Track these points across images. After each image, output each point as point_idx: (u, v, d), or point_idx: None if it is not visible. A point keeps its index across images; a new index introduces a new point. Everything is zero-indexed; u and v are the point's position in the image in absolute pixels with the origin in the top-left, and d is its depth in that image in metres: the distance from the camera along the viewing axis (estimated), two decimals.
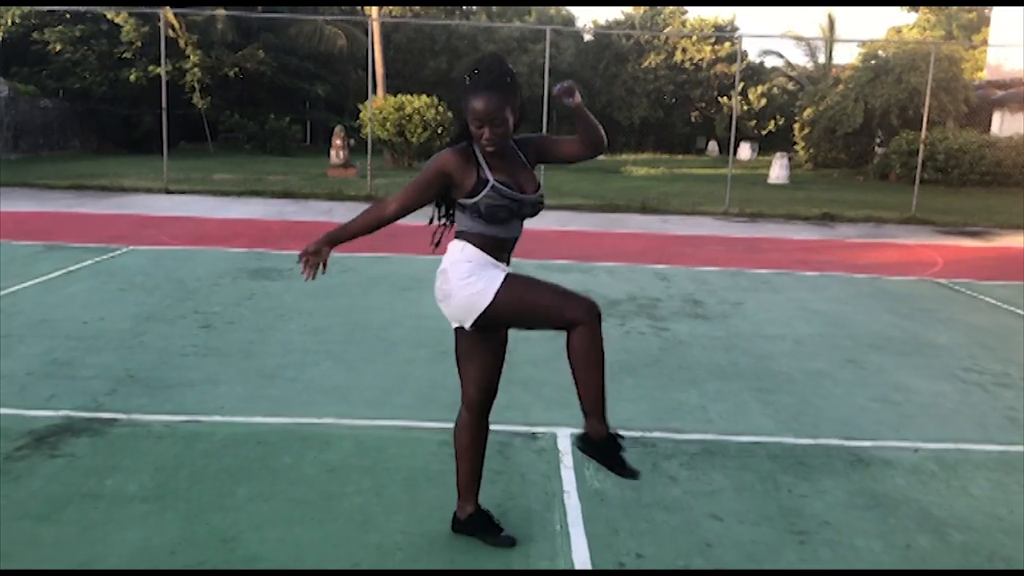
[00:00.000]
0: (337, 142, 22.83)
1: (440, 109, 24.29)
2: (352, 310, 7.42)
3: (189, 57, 28.98)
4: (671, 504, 3.89)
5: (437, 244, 3.34)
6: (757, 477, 4.23)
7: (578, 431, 4.59)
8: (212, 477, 3.98)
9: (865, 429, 4.98)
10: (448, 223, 3.30)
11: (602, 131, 3.33)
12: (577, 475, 4.13)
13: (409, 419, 4.81)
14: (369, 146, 18.53)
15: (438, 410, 4.97)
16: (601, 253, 11.27)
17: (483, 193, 3.11)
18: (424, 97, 24.53)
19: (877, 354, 6.65)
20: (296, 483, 3.96)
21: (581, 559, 3.37)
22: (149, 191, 16.78)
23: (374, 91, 21.18)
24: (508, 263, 3.27)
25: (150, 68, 27.91)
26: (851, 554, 3.48)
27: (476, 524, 3.47)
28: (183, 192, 16.67)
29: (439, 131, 24.22)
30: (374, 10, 26.09)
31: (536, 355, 6.09)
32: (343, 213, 14.72)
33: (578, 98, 3.18)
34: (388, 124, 23.80)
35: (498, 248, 3.20)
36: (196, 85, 29.07)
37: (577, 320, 3.04)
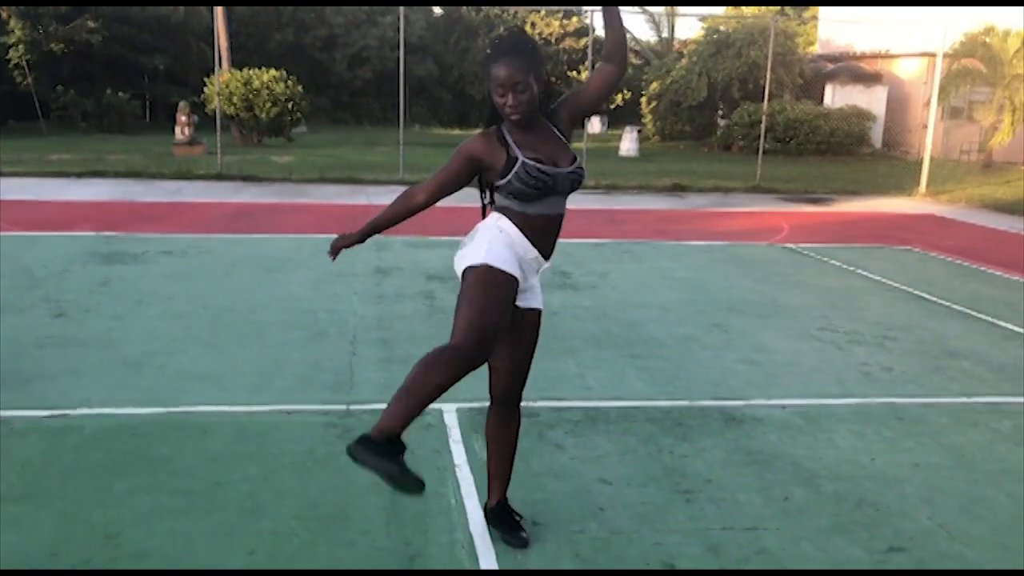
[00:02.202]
0: (182, 118, 21.86)
1: (289, 83, 23.59)
2: (216, 293, 7.16)
3: (13, 31, 27.03)
4: (560, 472, 3.97)
5: None
6: (639, 440, 4.36)
7: (464, 405, 4.63)
8: (86, 472, 3.79)
9: (734, 389, 5.21)
10: (492, 205, 3.15)
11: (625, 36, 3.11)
12: (467, 448, 4.15)
13: (290, 403, 4.71)
14: (218, 122, 17.87)
15: (320, 392, 4.89)
16: (468, 228, 11.25)
17: (513, 172, 2.96)
18: (272, 71, 23.77)
19: (738, 317, 6.95)
20: (178, 474, 3.82)
21: (479, 531, 3.40)
22: None
23: (220, 65, 20.41)
24: (547, 252, 3.10)
25: None
26: (735, 509, 3.64)
27: (492, 518, 3.40)
28: (17, 174, 15.58)
29: (289, 106, 23.56)
30: None
31: (414, 332, 6.07)
32: (194, 192, 14.18)
33: None
34: (235, 99, 22.95)
35: (539, 228, 3.04)
36: (24, 61, 27.18)
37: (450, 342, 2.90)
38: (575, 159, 3.08)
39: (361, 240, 3.21)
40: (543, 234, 3.07)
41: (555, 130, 3.09)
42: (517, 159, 2.96)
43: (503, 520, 3.37)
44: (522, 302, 3.14)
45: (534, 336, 3.23)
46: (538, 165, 2.96)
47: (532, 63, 2.96)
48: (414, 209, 3.17)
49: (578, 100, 3.17)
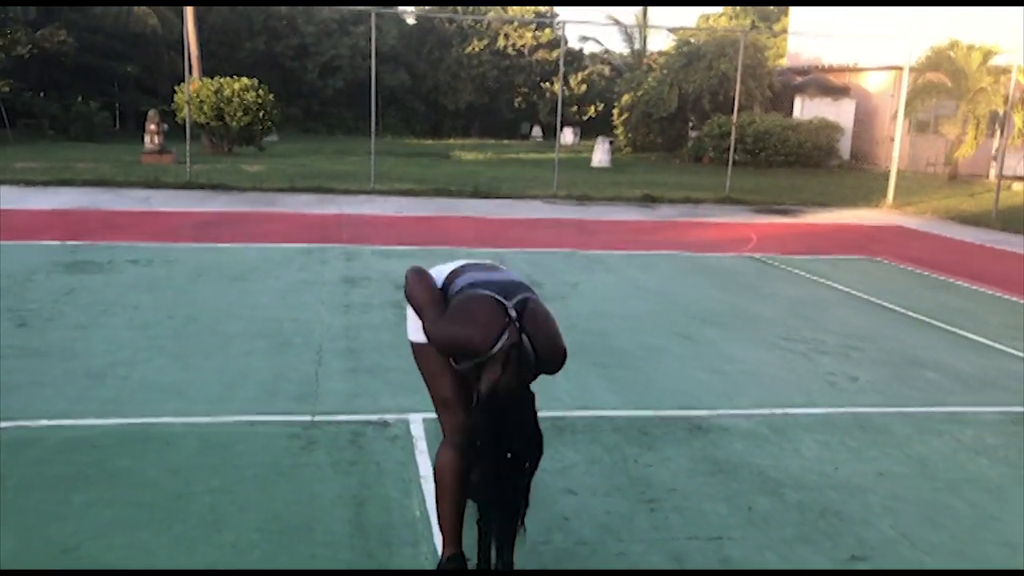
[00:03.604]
0: (151, 127, 21.65)
1: (261, 92, 23.46)
2: (181, 303, 7.09)
3: None
4: None
5: None
6: (605, 450, 4.36)
7: (430, 415, 4.59)
8: (45, 486, 3.73)
9: (701, 399, 5.24)
10: None
11: None
12: (432, 460, 4.12)
13: (255, 413, 4.67)
14: (188, 131, 17.70)
15: (284, 402, 4.85)
16: (438, 238, 11.24)
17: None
18: (243, 79, 23.64)
19: (706, 327, 6.99)
20: (138, 486, 3.77)
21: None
22: None
23: (190, 73, 20.26)
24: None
25: None
26: (700, 519, 3.65)
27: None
28: None
29: (260, 114, 23.43)
30: None
31: (381, 341, 6.04)
32: (162, 201, 14.05)
33: None
34: (206, 107, 22.80)
35: None
36: None
37: (444, 439, 3.06)
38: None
39: None
40: None
41: None
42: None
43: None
44: None
45: None
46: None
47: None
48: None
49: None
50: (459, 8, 39.46)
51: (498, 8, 41.22)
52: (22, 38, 27.20)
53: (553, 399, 5.10)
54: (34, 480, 3.78)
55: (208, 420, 4.58)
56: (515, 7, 41.20)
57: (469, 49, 40.82)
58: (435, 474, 3.04)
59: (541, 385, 5.32)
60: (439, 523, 3.07)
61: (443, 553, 3.08)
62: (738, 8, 46.20)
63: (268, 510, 3.60)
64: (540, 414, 4.82)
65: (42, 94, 28.33)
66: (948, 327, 7.33)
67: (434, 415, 4.54)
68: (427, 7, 40.89)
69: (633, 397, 5.22)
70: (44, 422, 4.43)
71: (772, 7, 44.20)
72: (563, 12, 45.68)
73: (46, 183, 15.64)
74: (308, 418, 4.61)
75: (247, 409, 4.73)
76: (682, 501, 3.81)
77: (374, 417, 4.64)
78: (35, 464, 3.94)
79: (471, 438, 2.85)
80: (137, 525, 3.43)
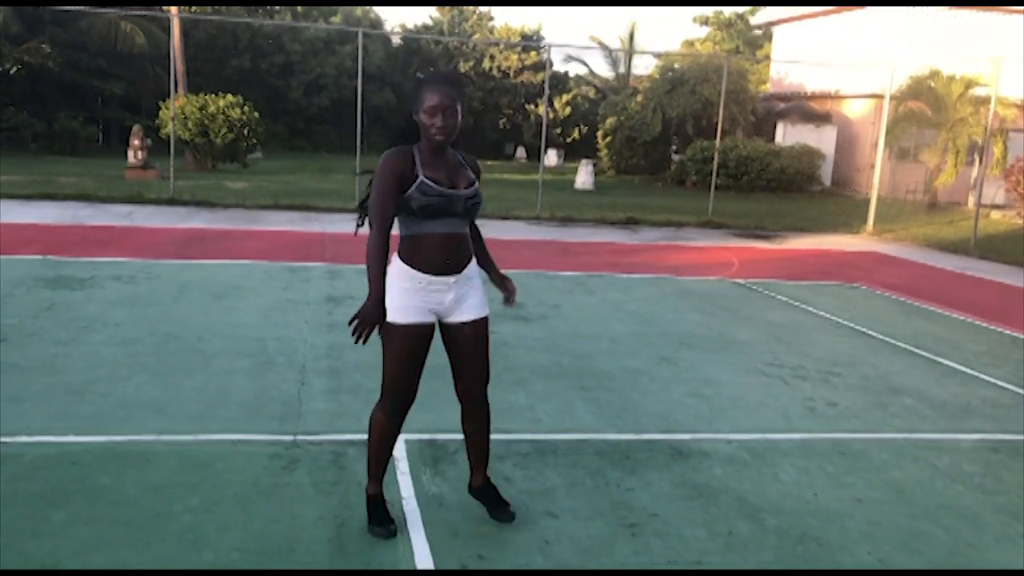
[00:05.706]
0: (135, 142, 21.61)
1: (246, 109, 23.46)
2: (163, 320, 7.07)
3: None
4: None
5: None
6: (587, 473, 4.38)
7: (412, 436, 4.60)
8: (23, 503, 3.71)
9: (682, 423, 5.26)
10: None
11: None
12: (414, 480, 4.14)
13: (236, 432, 4.66)
14: (171, 146, 17.66)
15: (266, 422, 4.84)
16: None
17: (413, 188, 3.28)
18: (229, 96, 23.65)
19: (687, 351, 7.03)
20: (118, 504, 3.75)
21: (424, 563, 3.38)
22: None
23: (175, 89, 20.23)
24: (456, 266, 3.43)
25: None
26: (680, 544, 3.67)
27: (478, 496, 3.80)
28: None
29: (245, 131, 23.43)
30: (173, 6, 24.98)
31: (364, 361, 6.03)
32: (144, 217, 14.01)
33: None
34: (190, 124, 22.78)
35: (437, 247, 3.36)
36: None
37: (380, 401, 3.60)
38: (472, 184, 3.43)
39: (380, 304, 3.34)
40: (442, 252, 3.38)
41: (464, 163, 3.50)
42: (418, 177, 3.30)
43: (489, 498, 3.75)
44: (452, 318, 3.50)
45: (481, 344, 3.57)
46: (437, 186, 3.31)
47: (463, 94, 3.34)
48: (383, 247, 3.36)
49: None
50: (444, 30, 39.67)
51: (483, 29, 41.46)
52: (6, 53, 27.11)
53: (534, 421, 5.13)
54: (11, 497, 3.75)
55: (189, 438, 4.57)
56: (501, 29, 41.43)
57: None
58: (370, 427, 3.62)
59: (522, 406, 5.35)
60: (368, 464, 3.66)
61: (369, 489, 3.69)
62: (722, 33, 46.68)
63: (248, 530, 3.59)
64: (521, 436, 4.86)
65: (24, 109, 28.16)
66: (927, 354, 7.41)
67: (416, 436, 4.59)
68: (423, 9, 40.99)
69: (615, 420, 5.25)
70: (23, 438, 4.41)
71: (757, 31, 44.67)
72: (549, 35, 45.95)
73: (28, 197, 15.56)
74: (290, 438, 4.61)
75: (228, 428, 4.72)
76: (663, 526, 3.83)
77: (356, 437, 4.63)
78: (12, 481, 3.91)
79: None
80: (116, 543, 3.41)
